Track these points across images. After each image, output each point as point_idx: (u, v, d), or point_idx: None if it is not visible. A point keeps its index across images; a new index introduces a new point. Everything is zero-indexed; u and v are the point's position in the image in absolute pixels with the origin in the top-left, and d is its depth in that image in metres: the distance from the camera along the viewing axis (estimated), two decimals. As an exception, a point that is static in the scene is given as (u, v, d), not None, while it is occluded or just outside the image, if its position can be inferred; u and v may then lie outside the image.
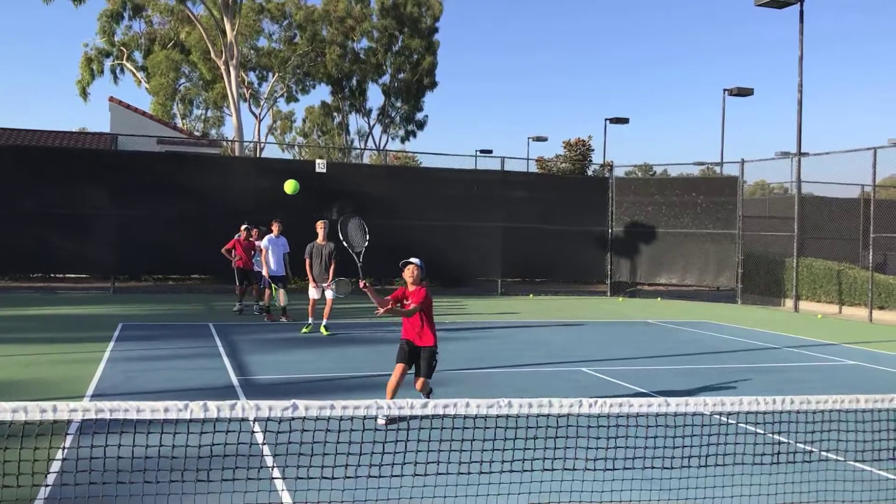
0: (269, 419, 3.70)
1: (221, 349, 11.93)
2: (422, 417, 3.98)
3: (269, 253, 15.40)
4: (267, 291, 16.28)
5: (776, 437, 6.28)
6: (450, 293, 23.55)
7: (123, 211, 20.92)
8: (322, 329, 13.67)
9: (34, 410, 3.37)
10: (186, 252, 21.39)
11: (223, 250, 16.79)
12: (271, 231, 15.62)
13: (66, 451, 5.73)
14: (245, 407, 3.65)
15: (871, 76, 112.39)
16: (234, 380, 9.58)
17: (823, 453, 5.62)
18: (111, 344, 12.07)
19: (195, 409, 3.57)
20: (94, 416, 3.44)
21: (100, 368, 10.00)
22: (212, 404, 3.58)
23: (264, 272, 15.59)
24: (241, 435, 4.33)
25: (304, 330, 13.97)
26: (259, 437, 6.29)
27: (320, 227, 13.66)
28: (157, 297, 20.15)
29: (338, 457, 4.28)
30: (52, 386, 8.97)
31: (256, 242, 16.74)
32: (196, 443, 4.08)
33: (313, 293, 13.76)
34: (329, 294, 13.43)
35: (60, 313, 16.30)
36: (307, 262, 13.58)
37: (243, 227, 16.95)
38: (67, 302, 18.49)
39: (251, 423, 6.42)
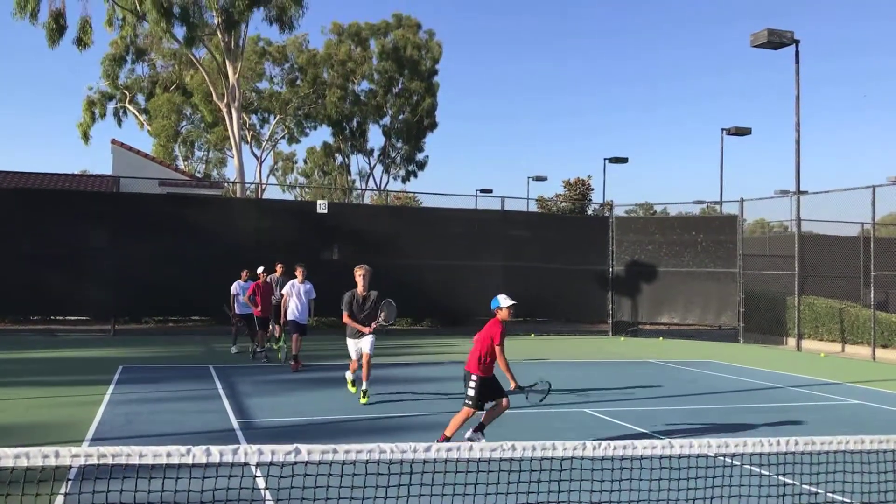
0: (271, 463, 3.68)
1: (222, 391, 11.88)
2: (424, 461, 3.96)
3: (293, 300, 14.58)
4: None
5: (782, 478, 6.23)
6: (451, 333, 23.48)
7: (124, 253, 20.97)
8: (361, 395, 11.11)
9: (36, 456, 3.36)
10: (187, 294, 21.40)
11: (245, 298, 16.40)
12: (295, 275, 14.90)
13: (67, 497, 5.69)
14: (247, 451, 3.63)
15: (869, 115, 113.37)
16: (235, 423, 9.53)
17: (829, 495, 5.57)
18: (111, 387, 12.02)
19: (197, 453, 3.55)
20: (96, 462, 3.43)
21: (100, 411, 9.95)
22: (214, 449, 3.57)
23: (281, 320, 14.96)
24: (244, 480, 4.29)
25: (353, 389, 11.61)
26: (261, 482, 6.24)
27: (359, 274, 11.01)
28: (158, 339, 20.11)
29: (340, 501, 4.25)
30: (53, 429, 8.91)
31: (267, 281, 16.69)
32: (198, 488, 4.06)
33: (353, 351, 11.18)
34: (367, 346, 10.93)
35: (60, 356, 16.26)
36: (345, 314, 10.96)
37: (260, 269, 16.60)
38: (67, 344, 18.45)
39: (253, 467, 6.37)
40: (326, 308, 17.28)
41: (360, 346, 11.05)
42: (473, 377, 8.28)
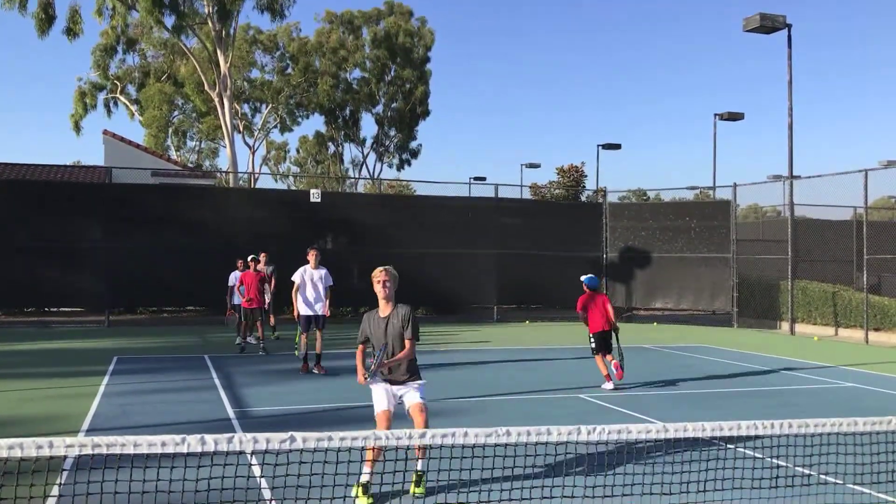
0: (266, 452, 3.68)
1: (217, 381, 11.88)
2: (419, 447, 3.97)
3: (307, 288, 12.65)
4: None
5: (775, 460, 6.27)
6: (445, 321, 23.51)
7: (118, 244, 20.91)
8: (413, 488, 5.63)
9: (30, 447, 3.35)
10: (181, 284, 21.37)
11: (237, 288, 16.04)
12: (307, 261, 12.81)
13: (62, 487, 5.69)
14: (242, 440, 3.63)
15: (860, 100, 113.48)
16: (230, 412, 9.53)
17: (822, 476, 5.61)
18: (106, 378, 12.01)
19: (192, 442, 3.55)
20: (90, 452, 3.43)
21: (95, 403, 9.95)
22: (209, 438, 3.57)
23: (294, 313, 12.83)
24: (239, 468, 4.30)
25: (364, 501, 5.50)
26: (257, 471, 6.24)
27: (378, 281, 6.54)
28: (152, 330, 20.08)
29: (336, 489, 4.26)
30: (47, 421, 8.91)
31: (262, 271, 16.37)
32: (193, 477, 4.06)
33: (381, 400, 6.34)
34: (414, 396, 6.38)
35: (55, 347, 16.23)
36: (357, 350, 6.71)
37: (251, 258, 16.05)
38: (62, 336, 18.41)
39: (248, 456, 6.38)
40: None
41: (395, 396, 6.46)
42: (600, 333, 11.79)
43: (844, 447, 5.27)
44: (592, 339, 11.80)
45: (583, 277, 11.99)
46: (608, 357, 11.75)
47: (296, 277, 12.74)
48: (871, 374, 13.96)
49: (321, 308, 12.73)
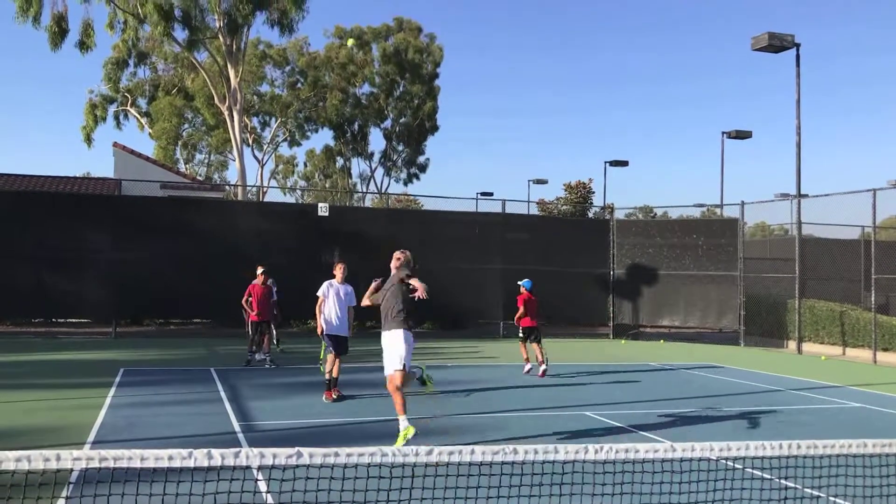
0: (272, 467, 3.68)
1: (223, 394, 11.87)
2: (426, 465, 3.95)
3: (330, 304, 11.55)
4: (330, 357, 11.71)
5: (784, 482, 6.22)
6: (451, 336, 23.47)
7: (126, 255, 20.97)
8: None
9: (37, 459, 3.35)
10: (189, 296, 21.42)
11: (243, 302, 15.46)
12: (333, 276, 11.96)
13: (68, 500, 5.68)
14: (249, 455, 3.63)
15: (869, 118, 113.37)
16: (236, 426, 9.52)
17: (831, 498, 5.57)
18: (113, 389, 12.02)
19: (199, 456, 3.55)
20: (97, 465, 3.43)
21: (101, 415, 9.95)
22: (216, 452, 3.56)
23: (318, 330, 11.81)
24: (245, 483, 4.29)
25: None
26: (262, 486, 6.23)
27: (396, 256, 9.96)
28: (159, 342, 20.10)
29: (342, 505, 4.24)
30: (53, 433, 8.91)
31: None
32: (200, 491, 4.05)
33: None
34: (387, 368, 9.12)
35: (61, 358, 16.25)
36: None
37: (260, 270, 15.49)
38: (69, 347, 18.44)
39: (254, 471, 6.37)
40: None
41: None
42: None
43: (854, 469, 5.22)
44: (522, 331, 15.09)
45: (523, 282, 15.39)
46: (533, 346, 14.82)
47: (321, 292, 11.69)
48: (879, 394, 13.88)
49: (346, 328, 11.61)
